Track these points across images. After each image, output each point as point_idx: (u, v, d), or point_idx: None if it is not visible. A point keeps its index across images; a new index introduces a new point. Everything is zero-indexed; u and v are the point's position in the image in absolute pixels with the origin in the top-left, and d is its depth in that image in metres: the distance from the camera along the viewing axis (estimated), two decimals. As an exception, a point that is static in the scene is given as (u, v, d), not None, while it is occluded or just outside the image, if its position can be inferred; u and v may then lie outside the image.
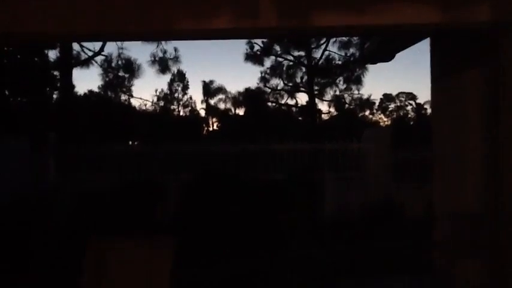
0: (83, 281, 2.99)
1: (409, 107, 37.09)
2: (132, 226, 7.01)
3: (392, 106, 37.36)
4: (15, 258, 5.80)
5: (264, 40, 16.77)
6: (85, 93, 22.60)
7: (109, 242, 3.08)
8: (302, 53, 17.45)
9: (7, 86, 9.43)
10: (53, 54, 13.22)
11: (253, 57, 17.19)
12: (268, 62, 17.71)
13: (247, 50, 17.11)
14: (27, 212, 7.57)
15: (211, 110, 30.00)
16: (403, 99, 37.33)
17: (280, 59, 17.69)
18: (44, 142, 9.87)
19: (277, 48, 17.18)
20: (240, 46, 23.12)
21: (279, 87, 18.79)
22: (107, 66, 15.61)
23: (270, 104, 19.96)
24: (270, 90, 18.98)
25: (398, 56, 4.88)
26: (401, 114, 35.76)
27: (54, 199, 8.49)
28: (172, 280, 2.96)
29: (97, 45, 14.09)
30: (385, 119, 35.53)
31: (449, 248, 3.47)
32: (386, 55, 4.52)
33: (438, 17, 2.57)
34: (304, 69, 17.80)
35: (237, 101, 24.40)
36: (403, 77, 49.65)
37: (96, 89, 22.81)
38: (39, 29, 2.35)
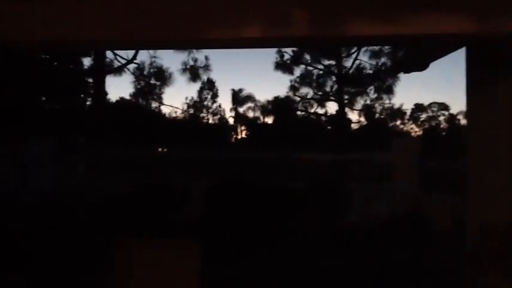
0: (111, 281, 3.01)
1: (441, 117, 36.35)
2: (158, 228, 7.07)
3: (424, 116, 36.68)
4: (43, 257, 5.92)
5: (294, 49, 16.77)
6: (117, 100, 23.06)
7: (138, 243, 3.10)
8: (332, 62, 17.37)
9: (44, 92, 9.72)
10: (87, 62, 13.60)
11: (283, 66, 17.21)
12: (297, 71, 17.72)
13: (277, 58, 17.17)
14: (55, 212, 7.74)
15: (240, 118, 30.11)
16: (435, 109, 36.61)
17: (310, 68, 17.66)
18: (74, 145, 10.13)
19: (307, 57, 17.15)
20: (269, 55, 23.20)
21: (308, 96, 18.74)
22: (139, 74, 15.92)
23: (299, 112, 19.90)
24: (299, 99, 18.94)
25: (431, 65, 4.79)
26: (433, 124, 35.06)
27: (81, 200, 8.67)
28: (200, 281, 2.96)
29: (130, 54, 14.41)
30: (417, 129, 34.90)
31: (480, 261, 3.36)
32: (420, 64, 4.42)
33: (475, 26, 2.49)
34: (334, 78, 17.69)
35: (265, 109, 24.42)
36: (436, 87, 48.69)
37: (127, 96, 23.29)
38: (70, 36, 2.40)
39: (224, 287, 4.90)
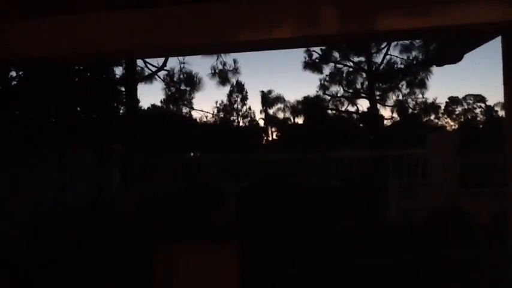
0: (153, 286, 3.06)
1: (477, 110, 35.35)
2: (194, 232, 7.15)
3: (459, 109, 35.77)
4: (84, 263, 6.07)
5: (323, 47, 16.64)
6: (148, 107, 23.46)
7: (177, 248, 3.13)
8: (362, 59, 17.13)
9: (78, 102, 9.97)
10: (119, 71, 13.89)
11: (312, 65, 17.09)
12: (327, 69, 17.55)
13: (305, 58, 17.06)
14: (94, 219, 7.93)
15: (270, 119, 30.09)
16: (470, 101, 35.64)
17: (339, 66, 17.47)
18: (110, 153, 10.35)
19: (336, 54, 16.98)
20: (298, 55, 23.11)
21: (338, 94, 18.54)
22: (169, 80, 16.15)
23: (329, 111, 19.71)
24: (329, 97, 18.77)
25: (465, 56, 4.66)
26: (469, 117, 34.12)
27: (119, 206, 8.84)
28: (239, 285, 2.97)
29: (160, 61, 14.64)
30: (452, 123, 34.05)
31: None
32: (453, 56, 4.32)
33: (508, 15, 2.41)
34: (364, 74, 17.46)
35: (296, 109, 24.30)
36: (471, 79, 47.37)
37: (159, 103, 23.64)
38: (98, 47, 2.45)
39: (262, 285, 4.90)
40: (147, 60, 14.24)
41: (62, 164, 8.86)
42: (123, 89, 13.23)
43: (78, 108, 10.29)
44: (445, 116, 34.32)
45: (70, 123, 9.14)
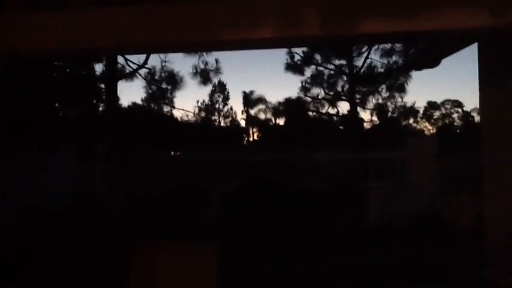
0: (129, 284, 3.04)
1: (455, 115, 35.98)
2: (176, 232, 7.11)
3: (437, 114, 36.35)
4: (64, 260, 5.99)
5: (305, 49, 16.72)
6: (129, 106, 23.21)
7: (156, 247, 3.12)
8: (343, 62, 17.27)
9: (57, 98, 9.82)
10: (99, 68, 13.72)
11: (293, 67, 17.16)
12: (308, 72, 17.64)
13: (287, 59, 17.11)
14: (75, 218, 7.82)
15: (251, 120, 30.12)
16: (448, 106, 36.26)
17: (321, 68, 17.59)
18: (92, 152, 10.21)
19: (318, 57, 17.08)
20: (280, 56, 23.20)
21: (319, 97, 18.64)
22: (150, 78, 16.01)
23: (310, 113, 19.82)
24: (310, 99, 18.86)
25: (443, 62, 4.75)
26: (447, 122, 34.71)
27: (100, 205, 8.74)
28: (218, 283, 2.97)
29: (141, 59, 14.50)
30: (430, 128, 34.58)
31: (500, 261, 3.31)
32: (432, 61, 4.40)
33: (488, 21, 2.47)
34: (345, 77, 17.61)
35: (277, 111, 24.38)
36: (449, 84, 48.21)
37: (139, 101, 23.41)
38: (87, 44, 2.43)
39: (245, 285, 4.90)
40: (128, 57, 14.09)
41: (42, 162, 8.73)
42: (103, 86, 13.07)
43: (57, 105, 10.14)
44: (424, 120, 34.87)
45: (50, 120, 8.99)
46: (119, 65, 14.16)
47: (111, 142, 11.86)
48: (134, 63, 14.42)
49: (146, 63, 14.66)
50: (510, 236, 3.27)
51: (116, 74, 13.68)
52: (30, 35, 2.44)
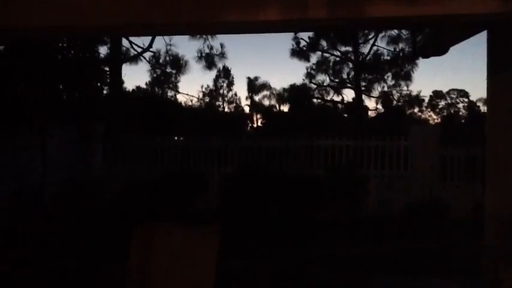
0: (129, 264, 3.04)
1: (460, 105, 35.80)
2: (176, 216, 7.13)
3: (442, 103, 36.17)
4: (66, 242, 6.03)
5: (310, 35, 16.60)
6: (133, 89, 23.20)
7: (156, 227, 3.12)
8: (349, 49, 17.14)
9: (60, 80, 9.78)
10: (103, 51, 13.65)
11: (299, 53, 17.04)
12: (314, 58, 17.53)
13: (293, 45, 16.99)
14: (75, 199, 7.85)
15: (255, 106, 30.08)
16: (454, 96, 36.06)
17: (326, 55, 17.47)
18: (93, 134, 10.21)
19: (324, 43, 16.95)
20: (285, 42, 23.03)
21: (324, 84, 18.57)
22: (154, 62, 15.94)
23: (315, 100, 19.75)
24: (315, 86, 18.78)
25: (450, 51, 4.68)
26: (452, 111, 34.54)
27: (101, 188, 8.77)
28: (218, 266, 2.97)
29: (146, 42, 14.42)
30: (435, 117, 34.45)
31: (499, 252, 3.29)
32: (439, 48, 4.33)
33: (498, 6, 2.42)
34: (351, 64, 17.49)
35: (281, 97, 24.33)
36: (455, 73, 47.85)
37: (143, 85, 23.40)
38: (89, 22, 2.39)
39: (241, 273, 4.92)
40: (133, 40, 14.01)
41: (43, 144, 8.73)
42: (107, 69, 13.01)
43: (61, 87, 10.11)
44: (429, 109, 34.72)
45: (52, 102, 8.97)
46: (124, 48, 14.09)
47: (114, 125, 11.86)
48: (139, 46, 14.34)
49: (151, 47, 14.58)
50: (508, 226, 3.25)
51: (120, 57, 13.62)
52: (32, 12, 2.40)
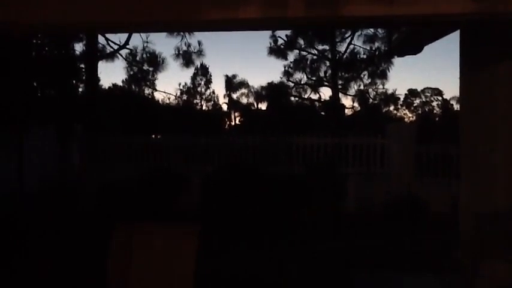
0: (108, 264, 3.02)
1: (434, 103, 36.49)
2: (155, 215, 7.09)
3: (417, 102, 36.81)
4: (45, 242, 5.93)
5: (288, 33, 16.65)
6: (109, 87, 22.90)
7: (136, 228, 3.11)
8: (326, 47, 17.27)
9: (35, 77, 9.60)
10: (79, 48, 13.43)
11: (276, 51, 17.09)
12: (291, 56, 17.60)
13: (270, 43, 17.03)
14: (53, 199, 7.74)
15: (233, 104, 30.06)
16: (428, 94, 36.74)
17: (304, 53, 17.55)
18: (71, 133, 10.06)
19: (301, 41, 17.04)
20: (263, 40, 23.07)
21: (302, 82, 18.65)
22: (131, 59, 15.76)
23: (292, 98, 19.85)
24: (293, 84, 18.87)
25: (425, 50, 4.79)
26: (427, 110, 35.19)
27: (79, 187, 8.66)
28: (197, 266, 2.98)
29: (122, 39, 14.25)
30: (410, 115, 35.03)
31: (475, 246, 3.38)
32: (414, 47, 4.43)
33: (469, 7, 2.49)
34: (328, 63, 17.63)
35: (259, 95, 24.36)
36: (430, 72, 48.73)
37: (120, 83, 23.12)
38: (64, 19, 2.37)
39: (221, 272, 4.93)
40: (109, 37, 13.83)
41: (19, 143, 8.56)
42: (83, 66, 12.81)
43: (35, 84, 9.92)
44: (404, 107, 35.29)
45: (28, 100, 8.80)
46: (100, 45, 13.89)
47: (91, 124, 11.70)
48: (115, 44, 14.16)
49: (127, 44, 14.40)
50: (483, 221, 3.35)
51: (96, 54, 13.42)
52: (30, 8, 2.36)
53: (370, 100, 19.31)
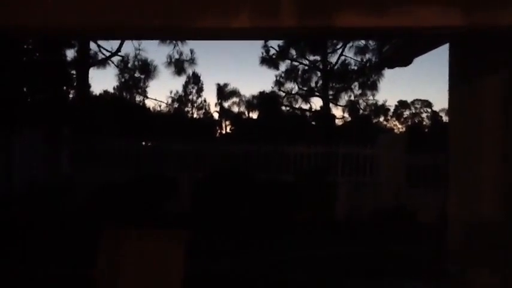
0: (96, 270, 3.01)
1: (424, 115, 36.82)
2: (143, 219, 7.06)
3: (407, 113, 37.11)
4: (29, 246, 5.87)
5: (280, 44, 16.77)
6: (100, 94, 22.79)
7: (123, 233, 3.09)
8: (318, 58, 17.41)
9: (25, 82, 9.55)
10: (71, 54, 13.40)
11: (268, 61, 17.20)
12: (283, 66, 17.72)
13: (262, 53, 17.15)
14: (40, 202, 7.67)
15: (225, 113, 30.07)
16: (418, 106, 37.06)
17: (295, 63, 17.67)
18: (58, 138, 10.01)
19: (293, 52, 17.16)
20: (255, 50, 23.19)
21: (293, 92, 18.76)
22: (123, 66, 15.75)
23: (284, 108, 19.93)
24: (284, 94, 18.96)
25: (415, 62, 4.85)
26: (416, 121, 35.48)
27: (67, 192, 8.60)
28: (184, 272, 2.97)
29: (114, 46, 14.25)
30: (400, 126, 35.29)
31: (463, 256, 3.41)
32: (404, 59, 4.48)
33: (458, 21, 2.53)
34: (319, 73, 17.75)
35: (251, 104, 24.44)
36: (419, 84, 49.25)
37: (111, 90, 23.04)
38: (56, 24, 2.36)
39: (209, 277, 4.92)
40: (101, 44, 13.83)
41: (8, 146, 8.50)
42: (74, 72, 12.78)
43: (25, 89, 9.87)
44: (394, 118, 35.56)
45: (17, 104, 8.75)
46: (91, 52, 13.88)
47: (81, 129, 11.64)
48: (107, 50, 14.16)
49: (119, 51, 14.42)
50: (472, 231, 3.37)
51: (87, 61, 13.40)
52: (30, 12, 2.34)
53: (361, 111, 19.46)
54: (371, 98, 18.68)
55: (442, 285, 3.81)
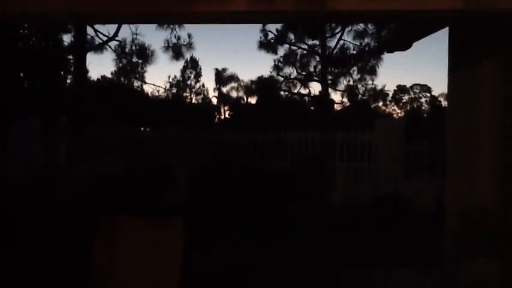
0: (92, 259, 3.00)
1: (423, 99, 36.75)
2: (142, 208, 7.06)
3: (406, 98, 37.03)
4: (27, 236, 5.87)
5: (278, 28, 16.64)
6: (98, 79, 22.68)
7: (120, 222, 3.08)
8: (316, 42, 17.29)
9: (21, 69, 9.47)
10: (67, 39, 13.28)
11: (266, 45, 17.07)
12: (281, 51, 17.59)
13: (261, 37, 17.00)
14: (37, 192, 7.65)
15: (223, 98, 29.96)
16: (417, 91, 36.98)
17: (294, 48, 17.55)
18: (56, 125, 9.95)
19: (291, 36, 17.03)
20: (254, 34, 23.02)
21: (292, 76, 18.67)
22: (120, 51, 15.62)
23: (282, 93, 19.86)
24: (282, 79, 18.87)
25: (414, 46, 4.81)
26: (415, 106, 35.43)
27: (64, 181, 8.58)
28: (182, 260, 2.97)
29: (111, 31, 14.12)
30: (399, 111, 35.24)
31: (459, 244, 3.41)
32: (403, 43, 4.45)
33: (459, 5, 2.50)
34: (318, 58, 17.65)
35: (249, 89, 24.36)
36: (418, 69, 49.06)
37: (109, 75, 22.93)
38: (52, 7, 2.33)
39: (207, 267, 4.93)
40: (98, 28, 13.69)
41: (3, 135, 8.46)
42: (71, 57, 12.67)
43: (22, 75, 9.79)
44: (393, 103, 35.48)
45: (13, 90, 8.69)
46: (88, 37, 13.75)
47: (78, 116, 11.59)
48: (104, 35, 14.02)
49: (117, 35, 14.27)
50: (467, 219, 3.37)
51: (84, 46, 13.28)
52: None
53: (360, 96, 19.40)
54: (370, 82, 18.62)
55: (439, 272, 3.82)
